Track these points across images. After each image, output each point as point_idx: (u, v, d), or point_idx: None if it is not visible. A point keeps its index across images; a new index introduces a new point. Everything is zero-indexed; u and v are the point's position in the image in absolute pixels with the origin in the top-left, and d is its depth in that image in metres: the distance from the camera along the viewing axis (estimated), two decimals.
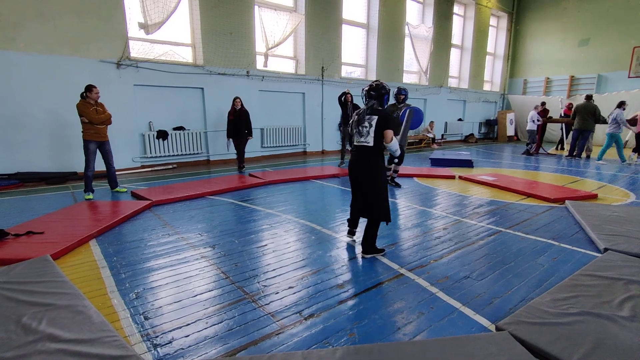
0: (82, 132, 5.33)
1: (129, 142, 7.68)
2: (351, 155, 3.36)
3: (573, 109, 10.32)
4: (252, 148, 9.70)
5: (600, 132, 13.39)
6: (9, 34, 6.16)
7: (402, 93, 5.94)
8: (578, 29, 15.02)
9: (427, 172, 7.51)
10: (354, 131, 3.25)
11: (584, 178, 7.33)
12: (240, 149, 7.88)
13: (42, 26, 6.43)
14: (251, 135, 7.98)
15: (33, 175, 6.49)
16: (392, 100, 5.71)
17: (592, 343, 1.93)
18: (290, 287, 2.73)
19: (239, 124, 7.70)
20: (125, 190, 5.88)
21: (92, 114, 5.27)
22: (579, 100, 10.72)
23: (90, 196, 5.42)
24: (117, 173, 7.34)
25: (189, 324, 2.25)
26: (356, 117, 3.23)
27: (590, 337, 1.99)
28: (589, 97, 10.10)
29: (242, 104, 7.71)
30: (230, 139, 7.77)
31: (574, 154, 10.34)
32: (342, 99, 8.24)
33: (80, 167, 6.62)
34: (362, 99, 3.30)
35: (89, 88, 5.29)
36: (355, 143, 3.27)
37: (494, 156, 11.22)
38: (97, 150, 5.53)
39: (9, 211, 4.74)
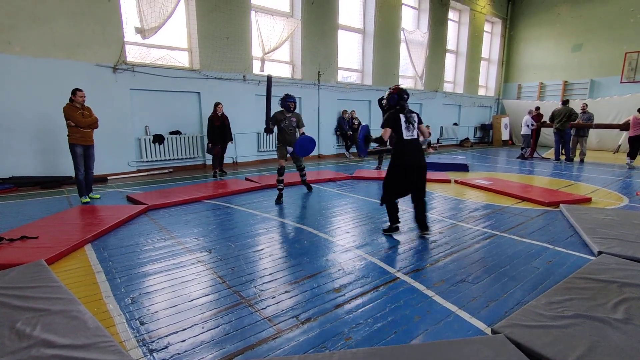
0: (68, 135, 5.26)
1: (124, 146, 7.65)
2: (408, 145, 3.73)
3: (551, 113, 10.51)
4: (249, 152, 9.72)
5: (594, 137, 13.55)
6: (4, 37, 6.15)
7: (291, 100, 5.34)
8: (571, 35, 15.23)
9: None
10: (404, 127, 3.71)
11: (578, 182, 7.40)
12: (222, 154, 8.08)
13: (38, 30, 6.42)
14: (232, 140, 8.24)
15: (27, 180, 6.45)
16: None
17: (586, 346, 1.95)
18: (286, 292, 2.73)
19: (224, 130, 7.84)
20: (99, 197, 5.73)
21: (79, 118, 5.21)
22: (572, 105, 10.87)
23: (87, 199, 5.38)
24: (113, 177, 7.37)
25: (185, 329, 2.24)
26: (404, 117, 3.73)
27: (584, 339, 2.01)
28: (565, 102, 10.34)
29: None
30: (210, 145, 7.84)
31: (566, 157, 10.46)
32: (383, 102, 8.05)
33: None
34: (402, 100, 3.79)
35: (74, 92, 5.26)
36: (406, 137, 3.72)
37: (489, 160, 11.30)
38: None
39: (3, 216, 4.70)
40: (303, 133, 5.54)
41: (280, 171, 5.48)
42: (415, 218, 3.92)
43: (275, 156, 10.31)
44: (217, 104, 7.79)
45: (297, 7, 10.12)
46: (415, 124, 3.77)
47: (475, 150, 14.57)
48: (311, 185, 6.32)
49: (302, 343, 2.11)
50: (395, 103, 3.77)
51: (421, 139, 3.88)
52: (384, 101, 3.90)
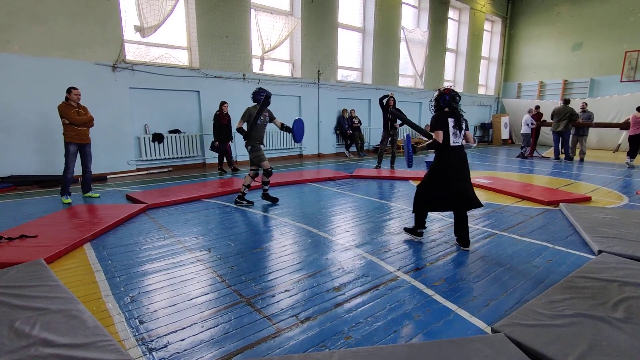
0: (63, 134, 5.26)
1: (124, 145, 7.63)
2: (452, 153, 3.47)
3: (551, 113, 10.50)
4: None
5: (594, 136, 13.55)
6: (3, 36, 6.13)
7: (263, 94, 4.98)
8: (571, 34, 15.20)
9: (423, 175, 7.51)
10: (451, 133, 3.44)
11: (578, 181, 7.40)
12: (229, 152, 8.27)
13: (37, 29, 6.40)
14: (232, 139, 8.40)
15: (27, 179, 6.44)
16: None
17: (587, 344, 1.95)
18: (286, 290, 2.73)
19: (229, 128, 8.01)
20: (98, 195, 5.73)
21: (74, 116, 5.21)
22: (572, 104, 10.87)
23: (69, 200, 5.33)
24: (112, 176, 7.36)
25: (184, 328, 2.23)
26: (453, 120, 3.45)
27: (585, 338, 2.00)
28: (566, 102, 10.32)
29: None
30: (217, 143, 7.99)
31: (566, 157, 10.47)
32: (385, 101, 7.99)
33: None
34: (454, 102, 3.49)
35: (69, 90, 5.26)
36: (453, 143, 3.46)
37: (489, 159, 11.30)
38: (78, 153, 5.43)
39: (2, 215, 4.69)
40: (282, 124, 5.29)
41: (270, 172, 5.22)
42: (455, 231, 3.62)
43: (277, 155, 10.38)
44: (223, 103, 7.90)
45: (296, 5, 10.10)
46: (463, 130, 3.50)
47: (475, 149, 14.56)
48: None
49: (302, 342, 2.11)
50: (446, 105, 3.48)
51: (463, 142, 3.60)
52: (433, 102, 3.59)
